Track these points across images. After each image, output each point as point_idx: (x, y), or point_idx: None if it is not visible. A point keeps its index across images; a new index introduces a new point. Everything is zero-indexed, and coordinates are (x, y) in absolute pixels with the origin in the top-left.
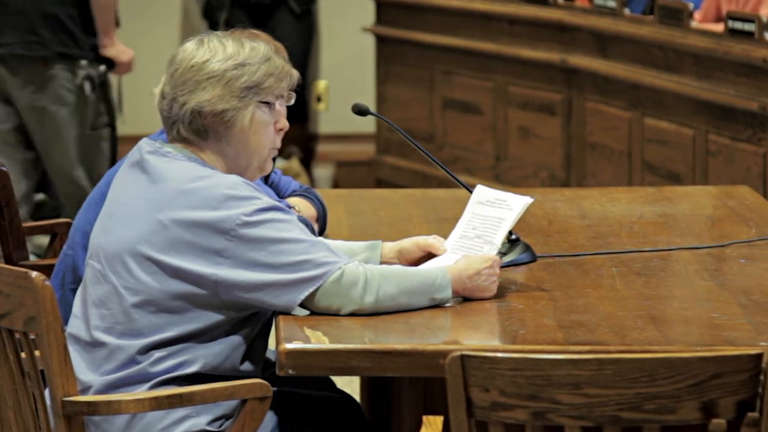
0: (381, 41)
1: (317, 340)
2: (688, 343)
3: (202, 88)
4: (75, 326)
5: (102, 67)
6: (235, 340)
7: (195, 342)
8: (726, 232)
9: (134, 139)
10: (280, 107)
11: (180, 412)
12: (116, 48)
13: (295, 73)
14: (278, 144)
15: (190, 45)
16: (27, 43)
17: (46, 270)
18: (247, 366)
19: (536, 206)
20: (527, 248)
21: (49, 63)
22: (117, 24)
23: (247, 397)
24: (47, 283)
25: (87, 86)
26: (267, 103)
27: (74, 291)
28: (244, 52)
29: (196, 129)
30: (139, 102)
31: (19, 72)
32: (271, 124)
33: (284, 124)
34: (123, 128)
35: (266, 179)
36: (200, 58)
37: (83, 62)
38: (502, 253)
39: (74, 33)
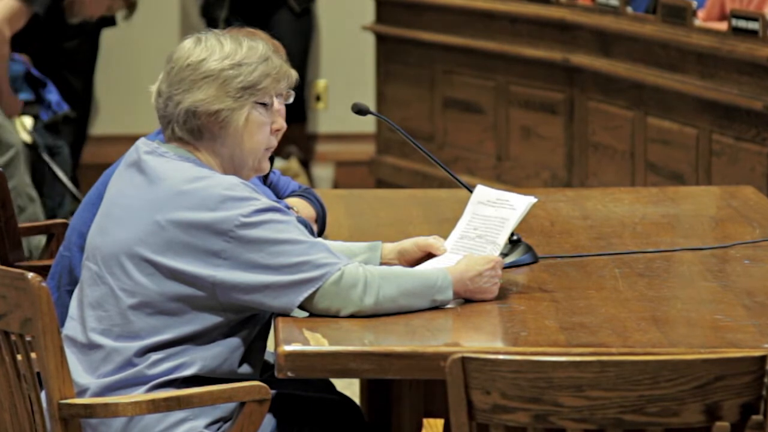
0: (381, 40)
1: (316, 342)
2: (692, 345)
3: (198, 87)
4: (71, 328)
5: None
6: (234, 342)
7: (193, 344)
8: (730, 232)
9: (132, 139)
10: (279, 106)
11: (178, 415)
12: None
13: (294, 74)
14: (274, 144)
15: (187, 43)
16: None
17: (43, 271)
18: (245, 368)
19: (538, 207)
20: (529, 249)
21: None
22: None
23: (246, 400)
24: (44, 284)
25: None
26: (263, 104)
27: (71, 292)
28: (241, 52)
29: (191, 128)
30: (137, 101)
31: None
32: (268, 124)
33: (281, 125)
34: (120, 128)
35: (265, 179)
36: (196, 57)
37: None
38: (503, 254)
39: None
